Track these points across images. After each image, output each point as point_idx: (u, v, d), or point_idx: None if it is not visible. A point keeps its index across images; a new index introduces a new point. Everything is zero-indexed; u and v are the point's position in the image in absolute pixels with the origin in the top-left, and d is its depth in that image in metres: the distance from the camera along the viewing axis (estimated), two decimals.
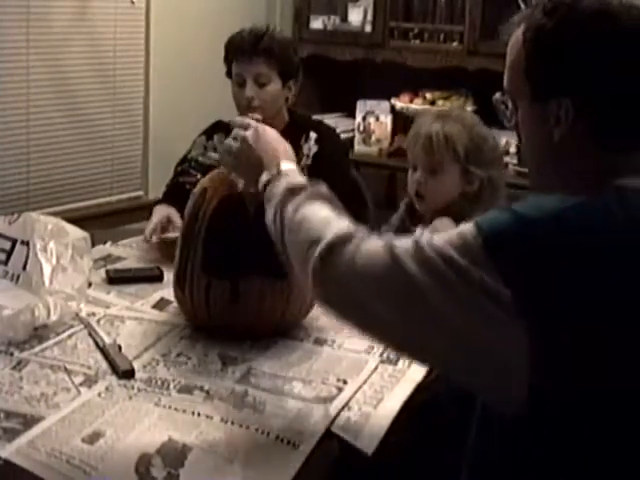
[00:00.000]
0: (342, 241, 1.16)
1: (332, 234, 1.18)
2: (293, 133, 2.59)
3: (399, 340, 1.13)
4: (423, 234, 1.12)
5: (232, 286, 1.62)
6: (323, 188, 1.35)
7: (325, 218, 1.25)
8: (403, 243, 1.12)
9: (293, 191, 1.34)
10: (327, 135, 2.66)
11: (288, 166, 1.46)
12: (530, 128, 1.24)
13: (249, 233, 1.62)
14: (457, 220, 2.03)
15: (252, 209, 1.56)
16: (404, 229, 2.19)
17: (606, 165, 1.18)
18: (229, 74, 2.59)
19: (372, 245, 1.14)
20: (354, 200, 2.65)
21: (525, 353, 1.02)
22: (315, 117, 2.97)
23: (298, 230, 1.26)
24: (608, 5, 1.17)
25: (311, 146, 2.58)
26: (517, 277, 1.05)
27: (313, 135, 2.59)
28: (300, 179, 1.41)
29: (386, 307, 1.10)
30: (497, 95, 1.28)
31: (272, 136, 1.58)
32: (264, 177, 1.45)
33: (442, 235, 1.11)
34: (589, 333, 1.03)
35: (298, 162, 2.50)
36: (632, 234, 1.08)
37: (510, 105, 1.26)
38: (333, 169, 2.62)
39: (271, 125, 2.54)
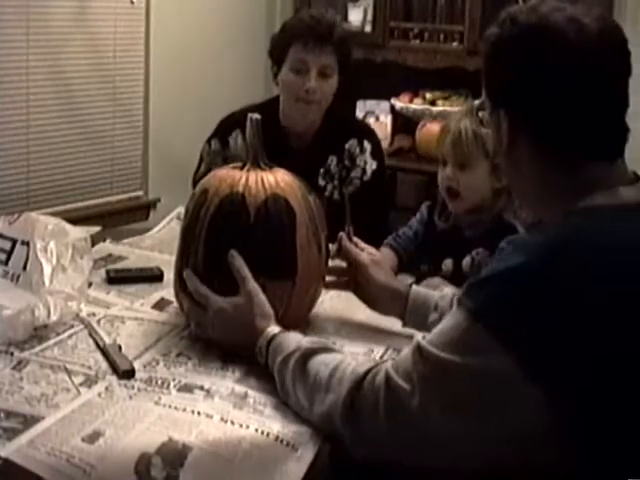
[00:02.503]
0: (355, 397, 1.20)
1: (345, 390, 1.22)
2: (334, 132, 2.42)
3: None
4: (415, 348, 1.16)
5: (234, 286, 1.62)
6: (308, 344, 1.38)
7: (328, 379, 1.28)
8: (400, 370, 1.16)
9: (285, 362, 1.38)
10: (379, 148, 2.48)
11: (267, 336, 1.47)
12: (492, 134, 1.28)
13: (251, 233, 1.62)
14: (486, 215, 2.06)
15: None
16: (426, 232, 2.20)
17: (556, 181, 1.20)
18: (280, 57, 2.37)
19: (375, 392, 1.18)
20: (386, 230, 2.37)
21: (544, 414, 1.04)
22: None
23: (311, 398, 1.30)
24: (545, 20, 1.18)
25: (367, 159, 2.43)
26: (522, 344, 1.06)
27: (368, 146, 2.44)
28: (284, 345, 1.42)
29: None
30: (476, 103, 1.34)
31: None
32: (259, 358, 1.47)
33: (433, 336, 1.15)
34: (600, 376, 1.05)
35: (349, 169, 2.37)
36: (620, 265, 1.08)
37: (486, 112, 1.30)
38: (386, 196, 2.52)
39: (311, 122, 2.37)
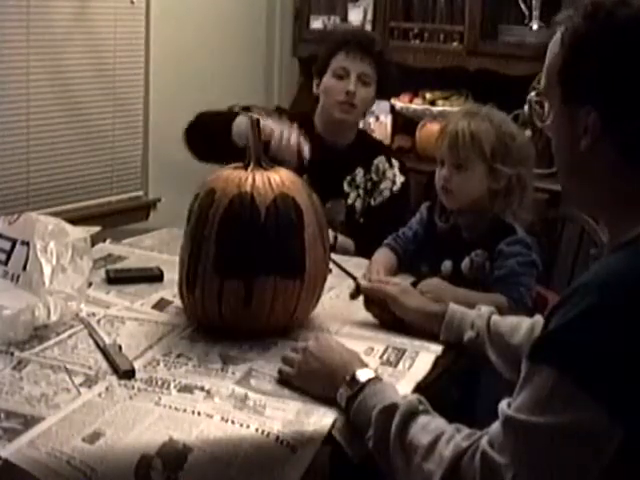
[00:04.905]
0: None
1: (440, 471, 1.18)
2: (364, 149, 2.63)
3: None
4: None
5: (246, 286, 1.62)
6: (414, 401, 1.31)
7: (429, 447, 1.22)
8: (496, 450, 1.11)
9: (387, 413, 1.30)
10: (406, 168, 2.67)
11: (366, 375, 1.40)
12: (560, 131, 1.21)
13: (262, 232, 1.62)
14: (485, 216, 2.06)
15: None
16: (426, 233, 2.20)
17: (633, 194, 1.13)
18: (323, 67, 2.55)
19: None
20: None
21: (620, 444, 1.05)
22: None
23: (408, 460, 1.24)
24: None
25: (396, 173, 2.60)
26: (606, 388, 1.04)
27: (396, 163, 2.62)
28: (386, 393, 1.35)
29: None
30: (532, 95, 1.25)
31: (335, 343, 1.53)
32: (342, 391, 1.39)
33: (519, 402, 1.10)
34: None
35: (378, 182, 2.57)
36: None
37: (546, 105, 1.22)
38: (409, 206, 2.67)
39: (347, 131, 2.58)
